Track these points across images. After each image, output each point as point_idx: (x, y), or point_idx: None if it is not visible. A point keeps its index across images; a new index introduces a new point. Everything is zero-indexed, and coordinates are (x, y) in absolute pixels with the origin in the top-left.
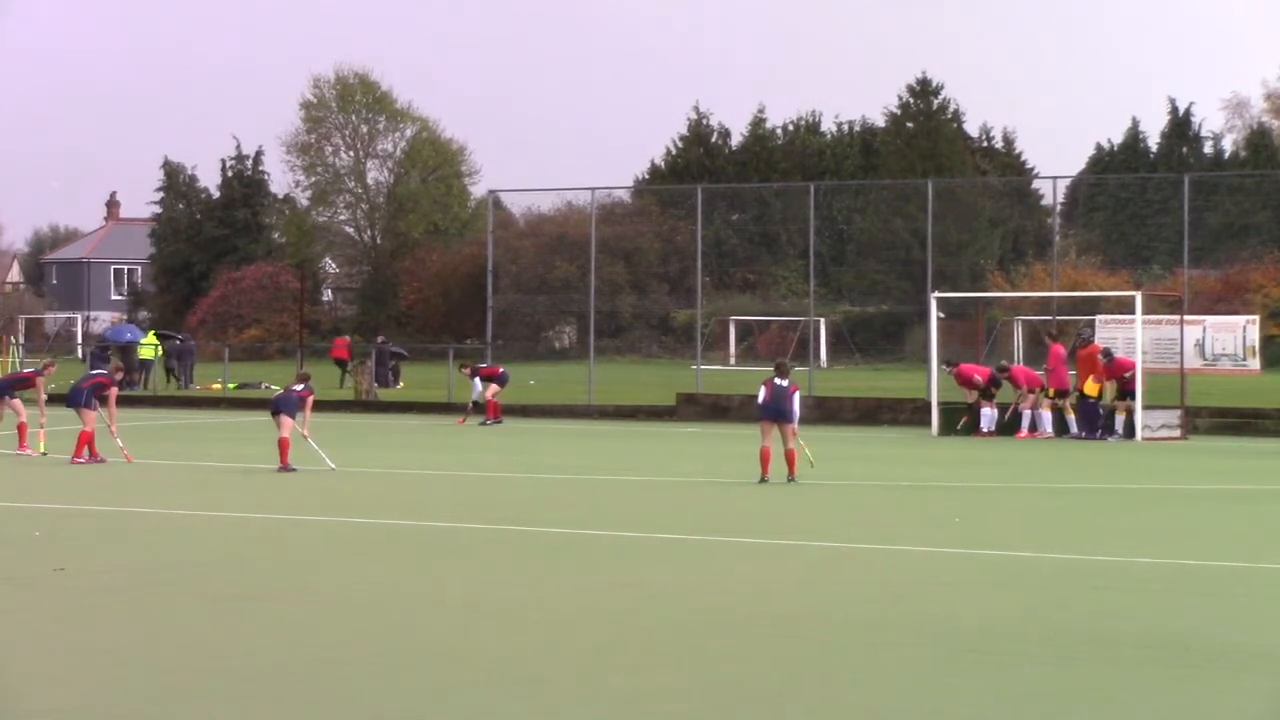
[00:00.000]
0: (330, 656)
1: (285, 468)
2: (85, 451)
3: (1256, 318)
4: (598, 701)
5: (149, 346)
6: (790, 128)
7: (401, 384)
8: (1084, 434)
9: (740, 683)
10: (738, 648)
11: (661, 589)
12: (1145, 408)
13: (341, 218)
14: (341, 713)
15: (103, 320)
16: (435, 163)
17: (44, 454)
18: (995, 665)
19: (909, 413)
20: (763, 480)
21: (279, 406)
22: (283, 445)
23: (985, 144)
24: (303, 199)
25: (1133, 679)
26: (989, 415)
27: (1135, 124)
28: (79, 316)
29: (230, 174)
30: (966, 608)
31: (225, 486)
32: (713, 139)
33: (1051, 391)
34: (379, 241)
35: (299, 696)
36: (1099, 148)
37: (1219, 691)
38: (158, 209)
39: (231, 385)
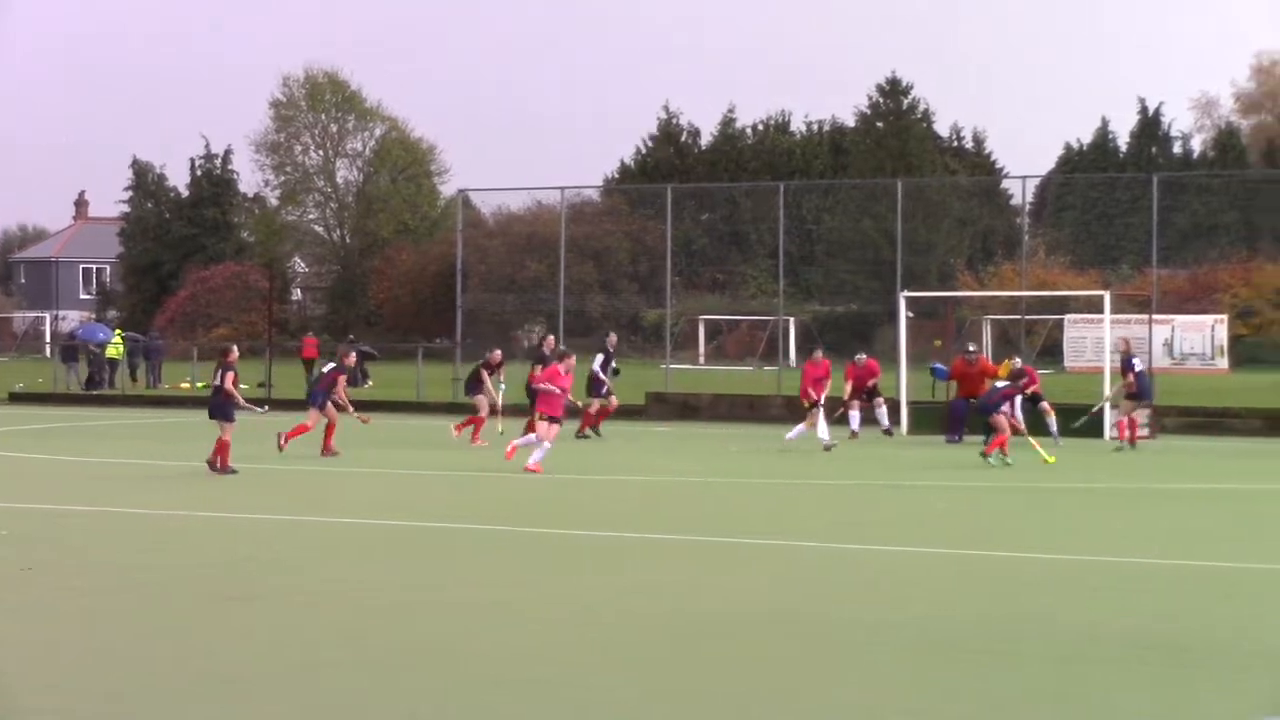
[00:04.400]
0: (322, 658)
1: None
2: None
3: (1224, 317)
4: (588, 702)
5: (115, 346)
6: (760, 127)
7: (370, 383)
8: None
9: (730, 683)
10: (727, 649)
11: (646, 590)
12: (1113, 407)
13: (310, 217)
14: (333, 713)
15: (71, 319)
16: (405, 162)
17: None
18: (987, 666)
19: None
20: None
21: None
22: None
23: (955, 144)
24: (272, 198)
25: (1124, 679)
26: (855, 416)
27: (1105, 123)
28: (47, 316)
29: (199, 173)
30: (957, 608)
31: (199, 485)
32: (682, 139)
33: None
34: (348, 240)
35: (290, 697)
36: (1068, 147)
37: (1209, 691)
38: (126, 208)
39: (200, 384)
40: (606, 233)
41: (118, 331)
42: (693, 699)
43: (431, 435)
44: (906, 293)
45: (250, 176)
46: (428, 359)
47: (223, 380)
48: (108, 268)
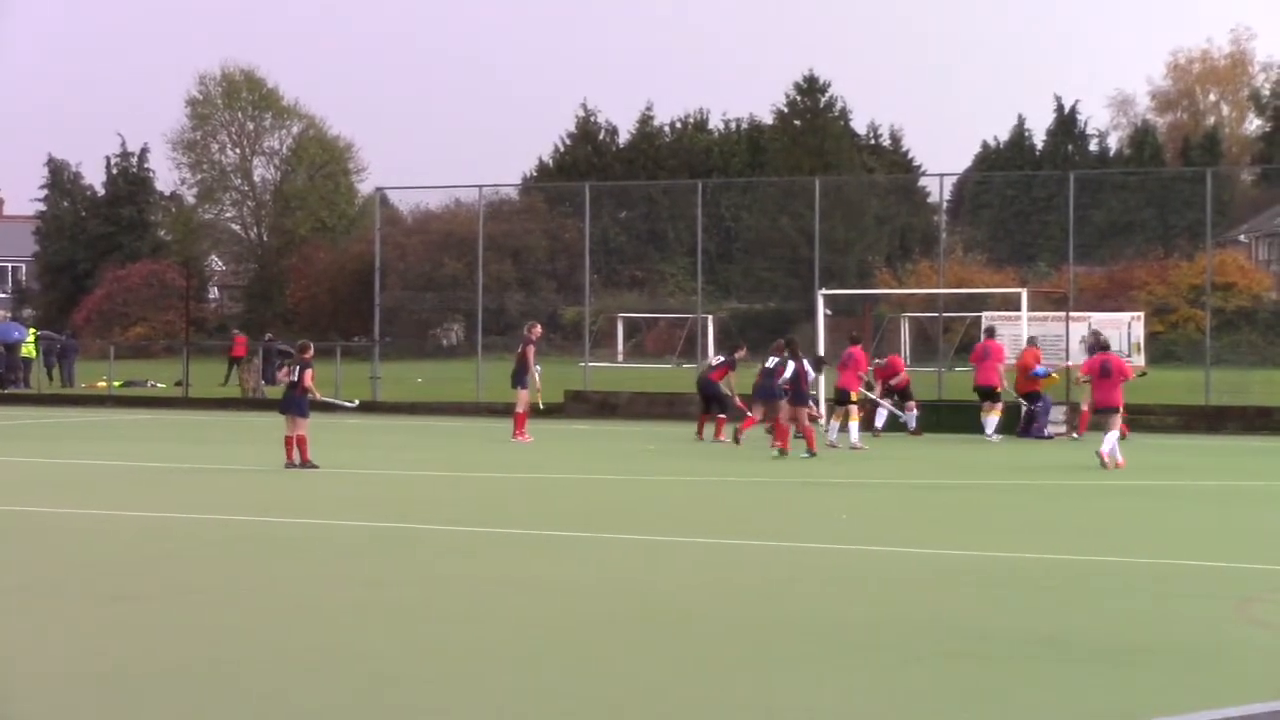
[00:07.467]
0: (225, 655)
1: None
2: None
3: (1141, 314)
4: (482, 699)
5: (28, 345)
6: (678, 125)
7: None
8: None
9: (625, 680)
10: (625, 645)
11: (548, 587)
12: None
13: (228, 215)
14: (238, 711)
15: None
16: (322, 160)
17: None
18: (881, 663)
19: None
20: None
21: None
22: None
23: (872, 141)
24: (189, 196)
25: (1016, 676)
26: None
27: (1021, 121)
28: None
29: (115, 171)
30: (854, 605)
31: (112, 485)
32: (600, 137)
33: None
34: (265, 239)
35: (192, 696)
36: (985, 145)
37: (1097, 687)
38: (42, 206)
39: (117, 383)
40: (525, 231)
41: (32, 330)
42: (575, 699)
43: (335, 433)
44: (824, 290)
45: (167, 175)
46: (346, 358)
47: (300, 376)
48: (23, 266)
